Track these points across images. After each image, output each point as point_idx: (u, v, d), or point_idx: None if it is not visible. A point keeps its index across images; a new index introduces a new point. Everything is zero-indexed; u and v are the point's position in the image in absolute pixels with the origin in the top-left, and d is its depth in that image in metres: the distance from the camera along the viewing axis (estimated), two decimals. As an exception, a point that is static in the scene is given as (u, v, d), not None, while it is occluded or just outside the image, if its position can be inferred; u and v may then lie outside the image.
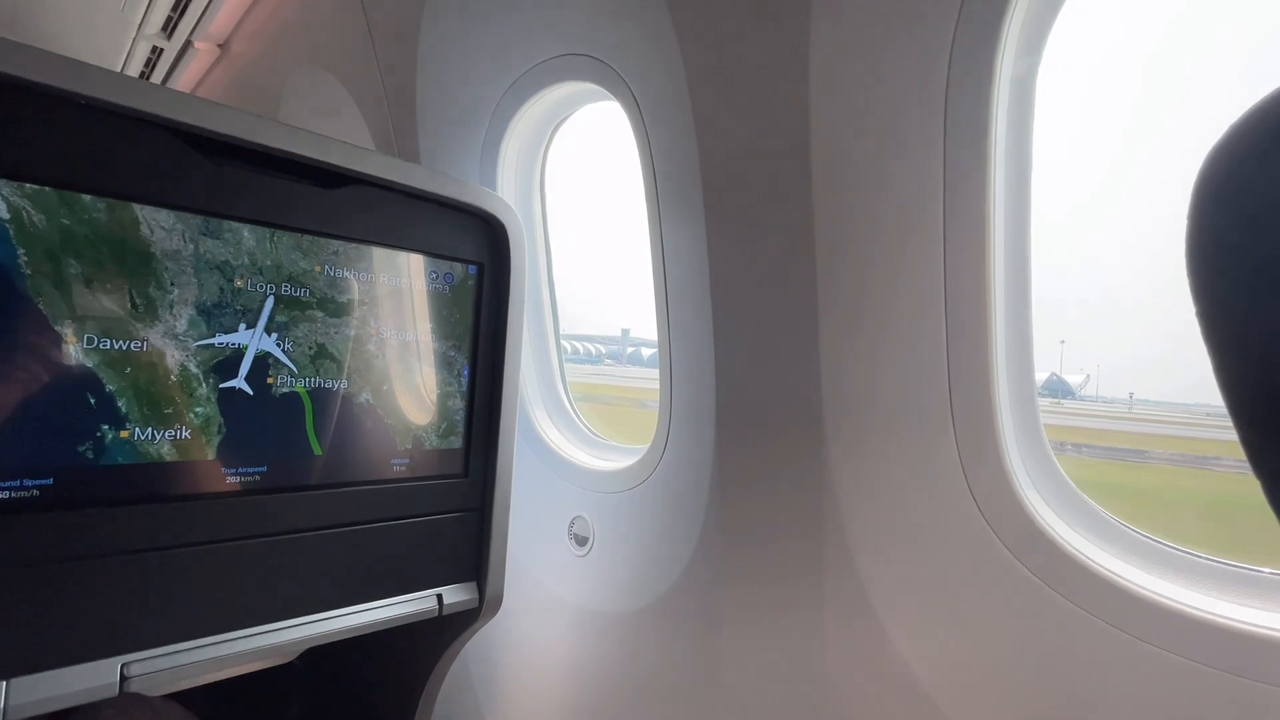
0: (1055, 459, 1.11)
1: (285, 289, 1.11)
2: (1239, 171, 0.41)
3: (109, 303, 0.94)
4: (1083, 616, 1.00)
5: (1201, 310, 0.44)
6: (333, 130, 2.12)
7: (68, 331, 0.91)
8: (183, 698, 1.20)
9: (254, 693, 1.53)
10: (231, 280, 1.05)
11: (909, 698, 1.16)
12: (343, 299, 1.18)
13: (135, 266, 0.96)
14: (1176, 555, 1.01)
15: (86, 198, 0.91)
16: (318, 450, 1.17)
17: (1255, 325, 0.42)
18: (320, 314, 1.15)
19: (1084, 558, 1.01)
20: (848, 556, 1.22)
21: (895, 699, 1.18)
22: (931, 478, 1.14)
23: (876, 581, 1.20)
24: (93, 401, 0.94)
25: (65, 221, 0.90)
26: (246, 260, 1.06)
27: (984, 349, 1.08)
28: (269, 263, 1.09)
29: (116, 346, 0.95)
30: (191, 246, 1.00)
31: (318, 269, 1.15)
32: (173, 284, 0.99)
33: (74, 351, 0.91)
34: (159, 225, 0.97)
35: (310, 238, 1.13)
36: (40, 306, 0.88)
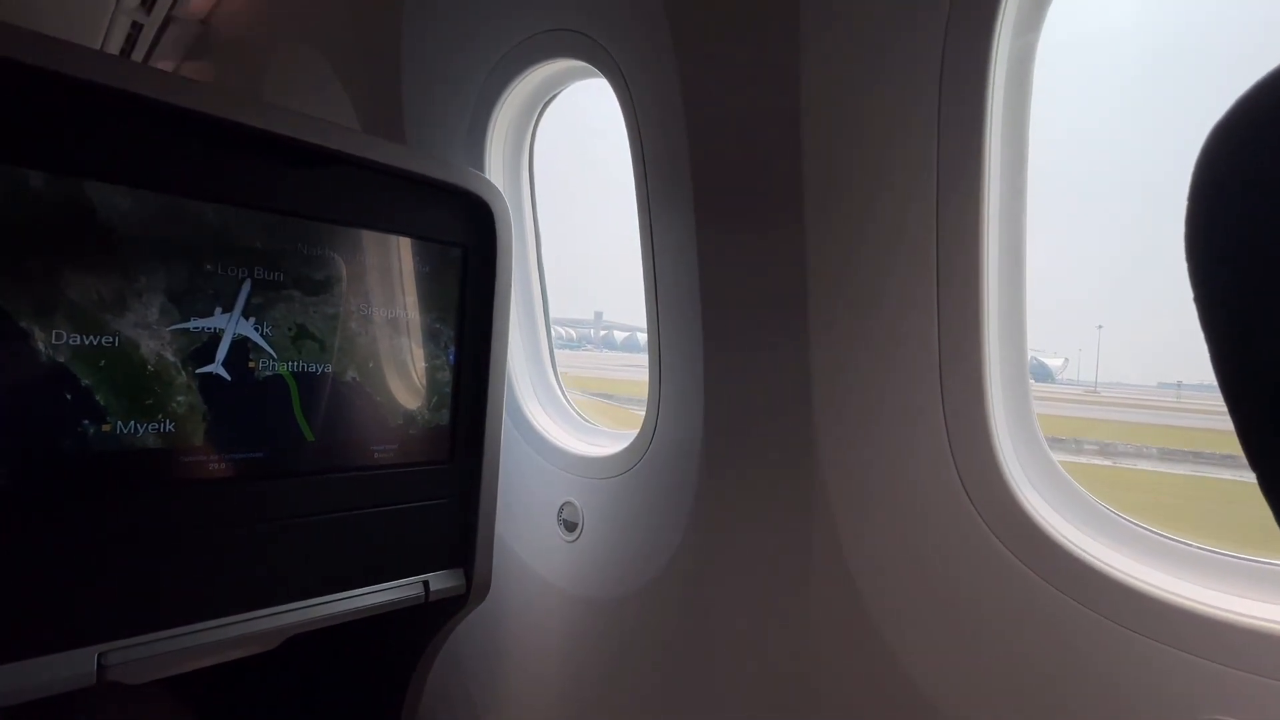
0: (1048, 448, 1.10)
1: (259, 271, 1.08)
2: (1239, 154, 0.39)
3: (74, 296, 0.91)
4: (1074, 607, 0.99)
5: (1200, 297, 0.42)
6: (317, 109, 2.08)
7: (34, 328, 0.88)
8: (166, 687, 1.20)
9: (245, 681, 1.53)
10: (201, 264, 1.02)
11: (895, 683, 1.16)
12: (319, 277, 1.15)
13: (97, 257, 0.93)
14: (1171, 545, 1.00)
15: (39, 186, 0.88)
16: (309, 435, 1.15)
17: (1255, 314, 0.40)
18: (297, 293, 1.13)
19: (1075, 548, 1.01)
20: (835, 544, 1.21)
21: (881, 684, 1.18)
22: (921, 467, 1.13)
23: (864, 569, 1.19)
24: (69, 397, 0.91)
25: (17, 214, 0.86)
26: (214, 242, 1.03)
27: (976, 337, 1.06)
28: (238, 244, 1.06)
29: (87, 341, 0.92)
30: (154, 231, 0.97)
31: (291, 248, 1.11)
32: (139, 272, 0.96)
33: (43, 348, 0.89)
34: (117, 211, 0.94)
35: (279, 215, 1.10)
36: (2, 304, 0.86)
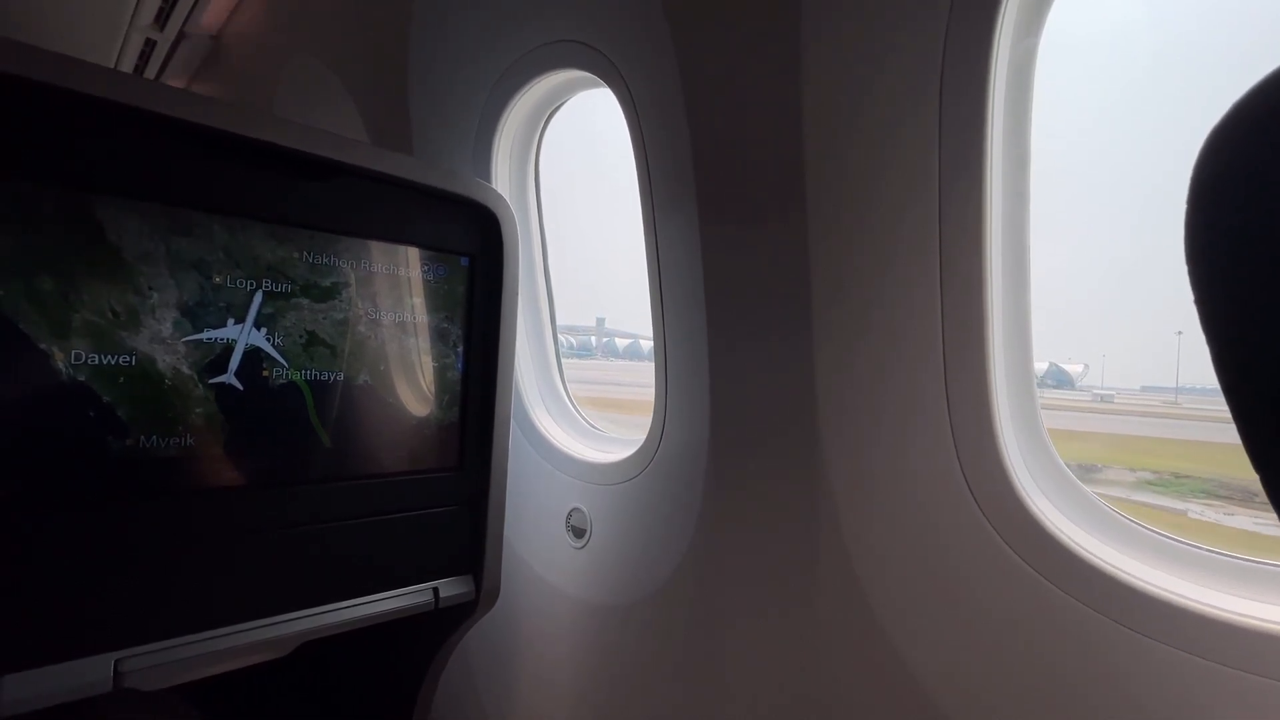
0: (1055, 451, 1.10)
1: (268, 282, 1.10)
2: (1238, 156, 0.39)
3: (90, 315, 0.93)
4: (1083, 610, 0.99)
5: (1200, 299, 0.42)
6: (326, 122, 2.11)
7: (54, 349, 0.90)
8: (181, 693, 1.21)
9: (256, 688, 1.54)
10: (210, 277, 1.04)
11: (902, 688, 1.15)
12: (327, 284, 1.17)
13: (109, 275, 0.94)
14: (1179, 548, 0.99)
15: (53, 204, 0.89)
16: (325, 441, 1.17)
17: (1256, 316, 0.40)
18: (305, 300, 1.14)
19: (1084, 551, 1.00)
20: (842, 548, 1.21)
21: (888, 689, 1.17)
22: (927, 470, 1.13)
23: (871, 573, 1.19)
24: (92, 414, 0.93)
25: (33, 233, 0.88)
26: (222, 255, 1.05)
27: (981, 340, 1.06)
28: (249, 256, 1.07)
29: (106, 360, 0.94)
30: (163, 247, 0.99)
31: (299, 257, 1.13)
32: (150, 288, 0.98)
33: (64, 368, 0.91)
34: (126, 229, 0.95)
35: (289, 227, 1.12)
36: (21, 327, 0.88)
